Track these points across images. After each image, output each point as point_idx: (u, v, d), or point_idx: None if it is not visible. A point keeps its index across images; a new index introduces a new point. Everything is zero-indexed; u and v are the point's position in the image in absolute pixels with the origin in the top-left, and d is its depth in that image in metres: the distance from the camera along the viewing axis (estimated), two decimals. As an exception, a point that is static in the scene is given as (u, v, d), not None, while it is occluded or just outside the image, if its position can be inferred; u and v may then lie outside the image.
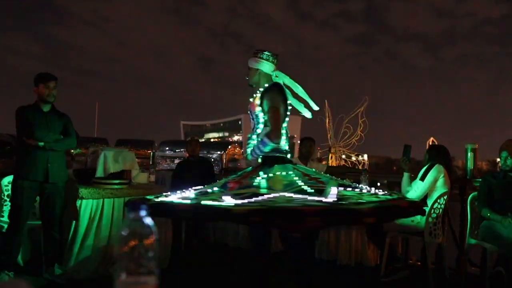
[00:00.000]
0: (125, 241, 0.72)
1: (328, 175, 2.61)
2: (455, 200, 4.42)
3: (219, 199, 2.07)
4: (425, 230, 3.64)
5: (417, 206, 2.29)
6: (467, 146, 4.57)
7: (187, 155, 5.38)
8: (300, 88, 2.83)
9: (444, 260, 3.96)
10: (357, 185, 2.59)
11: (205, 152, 10.37)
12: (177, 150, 11.18)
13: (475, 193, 3.74)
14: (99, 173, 4.36)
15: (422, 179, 3.83)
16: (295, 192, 2.09)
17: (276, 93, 2.69)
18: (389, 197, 2.25)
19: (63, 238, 3.63)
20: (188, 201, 2.09)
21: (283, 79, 2.81)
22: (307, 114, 2.94)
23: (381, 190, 2.36)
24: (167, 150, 13.52)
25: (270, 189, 2.18)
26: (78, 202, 3.59)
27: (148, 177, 4.90)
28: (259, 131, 2.71)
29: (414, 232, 3.80)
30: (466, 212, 3.83)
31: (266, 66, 2.79)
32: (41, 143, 3.34)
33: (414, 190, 3.82)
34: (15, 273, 3.33)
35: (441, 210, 3.77)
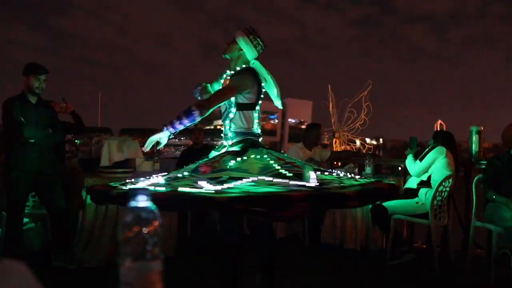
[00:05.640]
0: (129, 227, 0.72)
1: (301, 160, 2.52)
2: (460, 183, 4.41)
3: (194, 184, 1.89)
4: (430, 213, 3.65)
5: (395, 188, 2.27)
6: (471, 129, 4.55)
7: (192, 142, 5.40)
8: (273, 83, 2.61)
9: (449, 242, 3.97)
10: (333, 170, 2.51)
11: (209, 139, 10.35)
12: (182, 138, 11.18)
13: (480, 175, 3.73)
14: (104, 162, 4.39)
15: (421, 160, 3.92)
16: (273, 176, 1.98)
17: (246, 76, 2.50)
18: (367, 180, 2.22)
19: (70, 228, 3.65)
20: (163, 189, 1.87)
21: (260, 69, 2.60)
22: (278, 104, 2.75)
23: (357, 175, 2.39)
24: (172, 138, 13.54)
25: (246, 172, 2.03)
26: (84, 192, 3.61)
27: (153, 165, 4.91)
28: (231, 115, 2.53)
29: (419, 215, 3.81)
30: (471, 195, 3.83)
31: (251, 52, 2.57)
32: (32, 140, 3.34)
33: (412, 168, 3.97)
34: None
35: (446, 193, 3.78)
